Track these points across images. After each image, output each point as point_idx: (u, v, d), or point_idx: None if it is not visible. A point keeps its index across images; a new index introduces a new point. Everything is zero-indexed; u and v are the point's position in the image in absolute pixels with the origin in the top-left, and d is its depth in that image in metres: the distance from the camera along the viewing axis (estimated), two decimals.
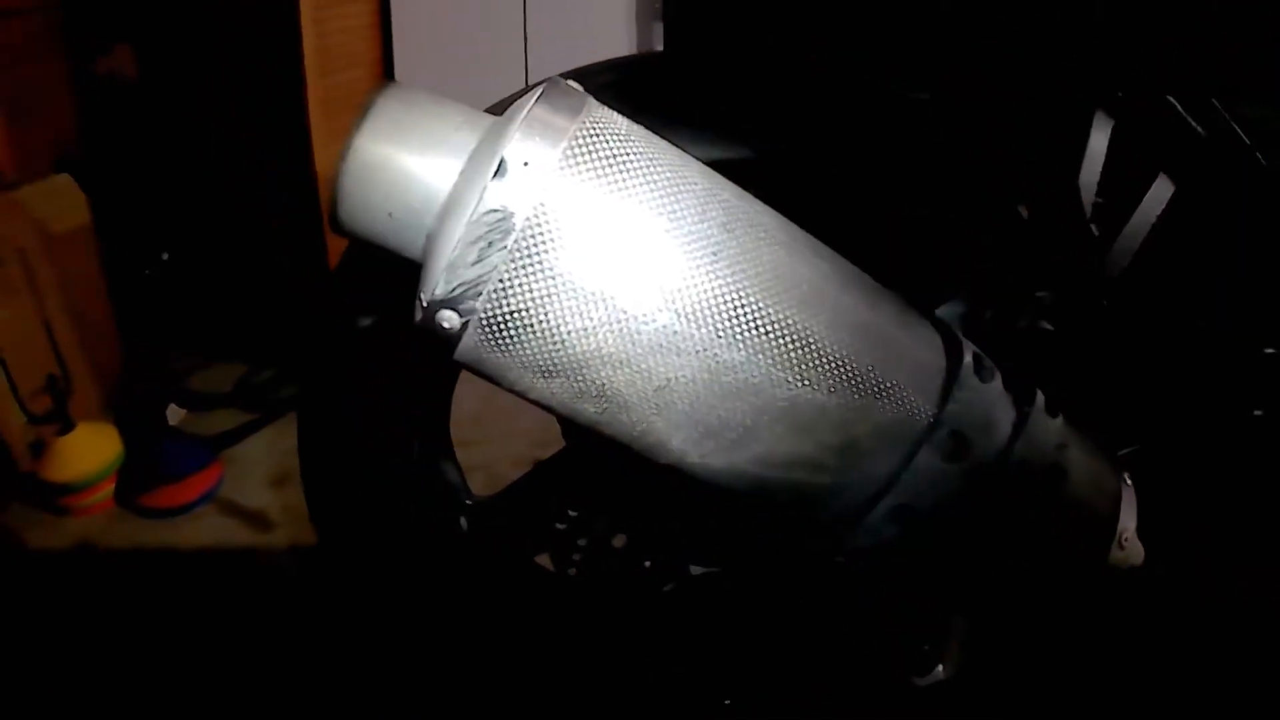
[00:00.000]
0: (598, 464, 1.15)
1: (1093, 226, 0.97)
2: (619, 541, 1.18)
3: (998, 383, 0.83)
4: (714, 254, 0.73)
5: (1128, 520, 0.93)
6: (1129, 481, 0.96)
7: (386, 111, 0.73)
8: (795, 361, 0.75)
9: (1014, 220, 0.95)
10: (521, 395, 0.79)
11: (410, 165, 0.72)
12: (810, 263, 0.78)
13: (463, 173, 0.72)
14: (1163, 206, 0.97)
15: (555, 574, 1.30)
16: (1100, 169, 0.99)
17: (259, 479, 2.22)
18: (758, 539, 1.03)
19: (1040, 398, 0.85)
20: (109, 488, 2.22)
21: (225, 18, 2.39)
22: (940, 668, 1.12)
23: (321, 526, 1.16)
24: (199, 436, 2.30)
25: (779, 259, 0.76)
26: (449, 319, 0.72)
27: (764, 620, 1.14)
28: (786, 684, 1.18)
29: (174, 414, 2.39)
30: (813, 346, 0.76)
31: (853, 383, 0.77)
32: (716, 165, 0.89)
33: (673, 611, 1.15)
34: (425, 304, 0.72)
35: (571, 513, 1.17)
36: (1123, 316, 0.99)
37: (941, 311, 0.89)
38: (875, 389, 0.78)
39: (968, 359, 0.82)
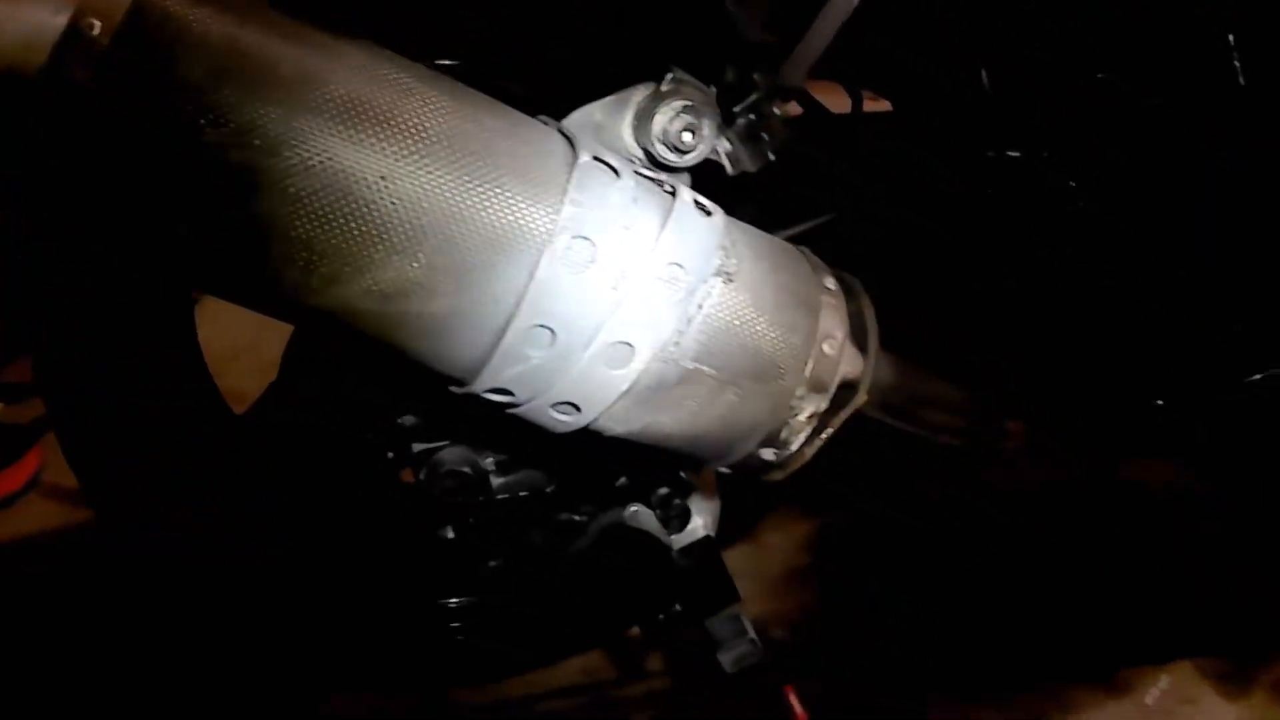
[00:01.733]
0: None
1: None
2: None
3: (628, 181, 0.75)
4: (263, 77, 0.66)
5: (831, 327, 0.87)
6: (832, 286, 0.90)
7: None
8: (373, 178, 0.68)
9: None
10: None
11: None
12: (387, 80, 0.70)
13: None
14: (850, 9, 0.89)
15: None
16: None
17: None
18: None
19: (686, 194, 0.77)
20: None
21: None
22: (700, 523, 1.05)
23: (80, 476, 1.05)
24: (16, 426, 2.20)
25: (350, 83, 0.69)
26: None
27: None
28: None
29: None
30: (389, 161, 0.68)
31: (445, 193, 0.70)
32: None
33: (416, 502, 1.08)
34: None
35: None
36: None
37: (571, 120, 0.81)
38: (476, 198, 0.70)
39: (585, 158, 0.74)
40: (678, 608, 1.03)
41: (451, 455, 1.00)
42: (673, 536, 1.03)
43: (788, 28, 0.92)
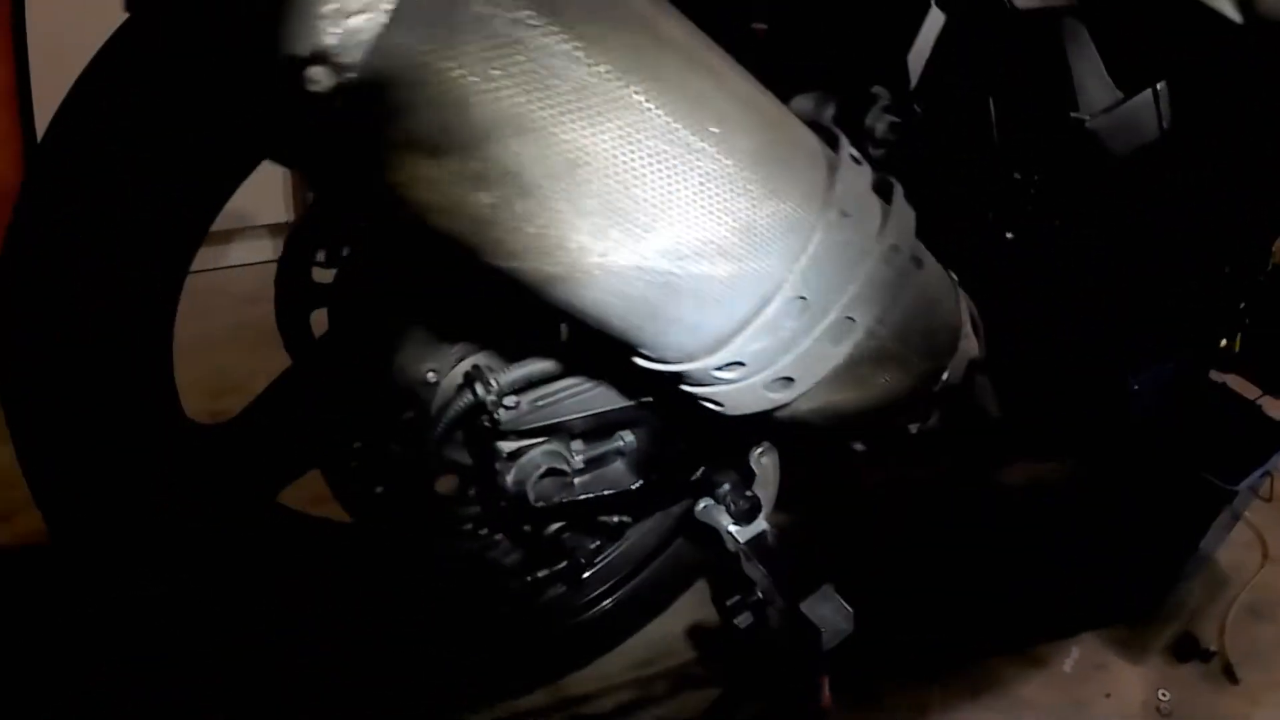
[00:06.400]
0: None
1: None
2: None
3: (868, 168, 0.81)
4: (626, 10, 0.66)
5: (965, 313, 0.98)
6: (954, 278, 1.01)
7: None
8: (709, 129, 0.69)
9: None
10: (393, 191, 0.64)
11: None
12: (706, 40, 0.73)
13: None
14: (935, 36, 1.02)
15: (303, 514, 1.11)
16: None
17: None
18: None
19: (899, 187, 0.85)
20: None
21: None
22: (763, 519, 1.09)
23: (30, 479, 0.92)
24: None
25: (685, 31, 0.71)
26: (318, 77, 0.56)
27: None
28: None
29: None
30: (726, 114, 0.70)
31: (760, 156, 0.72)
32: None
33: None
34: (289, 57, 0.57)
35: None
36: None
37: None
38: (777, 165, 0.74)
39: (844, 140, 0.80)
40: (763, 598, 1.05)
41: (546, 455, 0.96)
42: (738, 528, 1.06)
43: None
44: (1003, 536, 1.85)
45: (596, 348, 0.95)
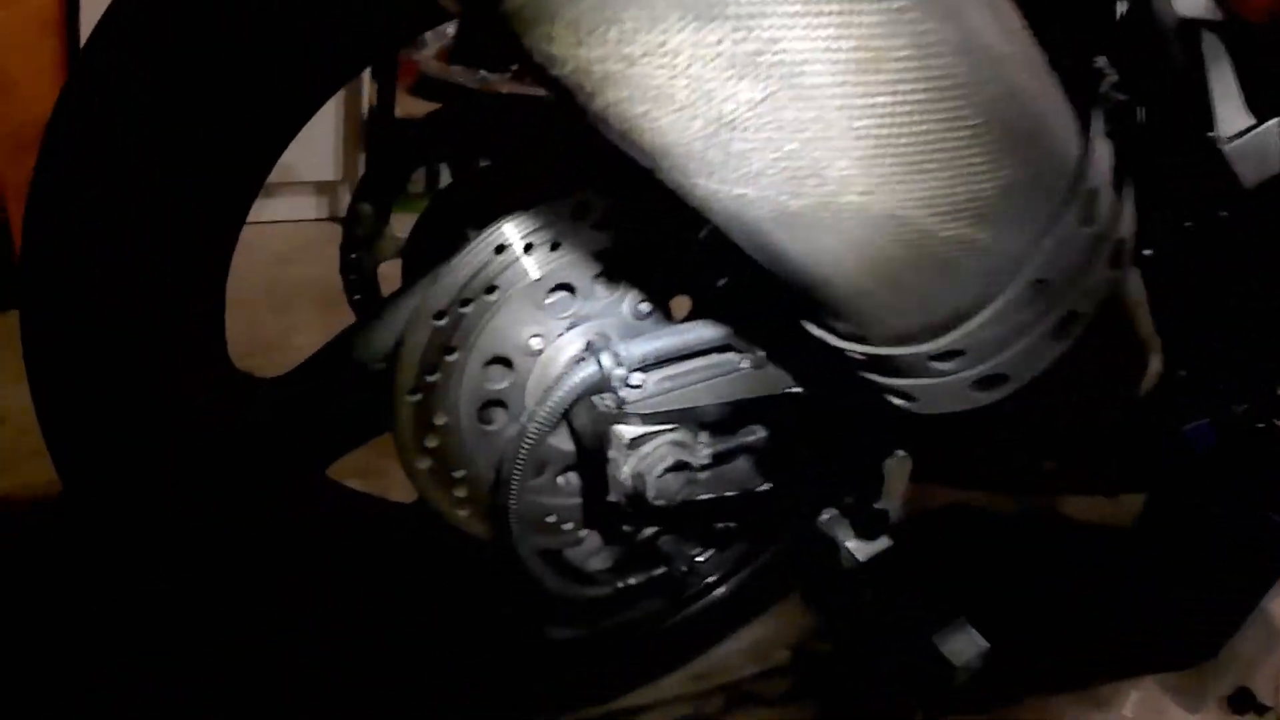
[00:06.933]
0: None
1: None
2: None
3: (1112, 150, 0.71)
4: None
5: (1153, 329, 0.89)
6: None
7: None
8: (1000, 60, 0.58)
9: None
10: (624, 65, 0.51)
11: None
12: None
13: None
14: None
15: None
16: None
17: None
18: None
19: (1130, 178, 0.75)
20: None
21: None
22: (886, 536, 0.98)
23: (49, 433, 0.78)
24: None
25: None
26: None
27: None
28: None
29: None
30: (1008, 52, 0.60)
31: (1032, 109, 0.63)
32: None
33: None
34: None
35: (430, 377, 0.84)
36: None
37: None
38: (1045, 122, 0.64)
39: (1099, 113, 0.69)
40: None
41: (673, 446, 0.84)
42: (859, 544, 0.95)
43: None
44: (1071, 573, 1.78)
45: (750, 323, 0.84)
